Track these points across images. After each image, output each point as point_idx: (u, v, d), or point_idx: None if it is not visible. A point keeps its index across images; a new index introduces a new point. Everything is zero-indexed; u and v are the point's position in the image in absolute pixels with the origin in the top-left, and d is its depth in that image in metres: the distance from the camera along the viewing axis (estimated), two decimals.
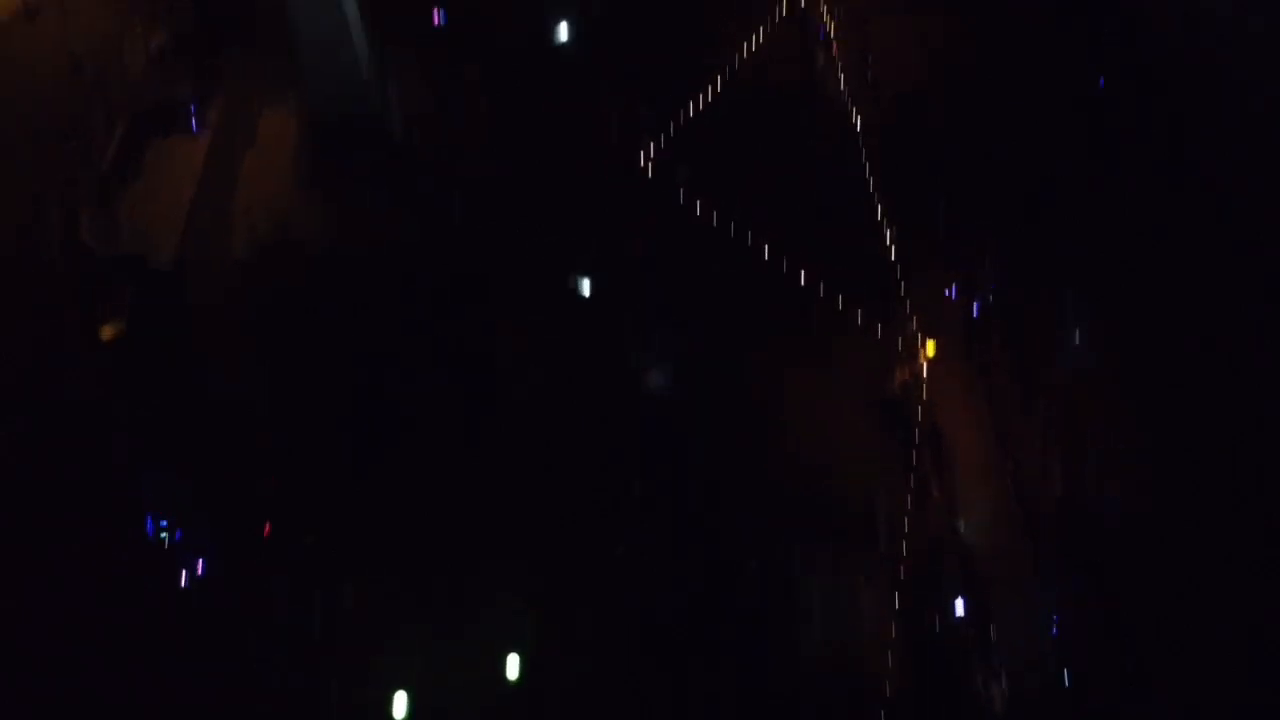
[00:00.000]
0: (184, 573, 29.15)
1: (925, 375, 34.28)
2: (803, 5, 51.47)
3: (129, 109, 46.59)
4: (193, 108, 47.11)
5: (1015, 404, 32.72)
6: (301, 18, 37.73)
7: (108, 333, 37.48)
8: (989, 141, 44.69)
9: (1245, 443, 29.64)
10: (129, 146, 45.46)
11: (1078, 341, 34.42)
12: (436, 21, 45.84)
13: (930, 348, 35.31)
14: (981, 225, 40.71)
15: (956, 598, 26.89)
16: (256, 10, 48.09)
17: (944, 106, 46.73)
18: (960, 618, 26.73)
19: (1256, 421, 30.07)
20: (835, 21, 50.03)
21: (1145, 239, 37.87)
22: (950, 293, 37.67)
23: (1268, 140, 40.29)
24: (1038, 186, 42.25)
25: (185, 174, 45.11)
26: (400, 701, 25.49)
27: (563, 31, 50.37)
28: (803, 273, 37.79)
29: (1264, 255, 35.09)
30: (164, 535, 30.07)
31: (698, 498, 29.59)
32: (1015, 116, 46.05)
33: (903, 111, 46.59)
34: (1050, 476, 30.09)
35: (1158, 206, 38.98)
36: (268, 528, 30.05)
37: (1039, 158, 43.77)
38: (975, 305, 37.26)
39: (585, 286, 38.81)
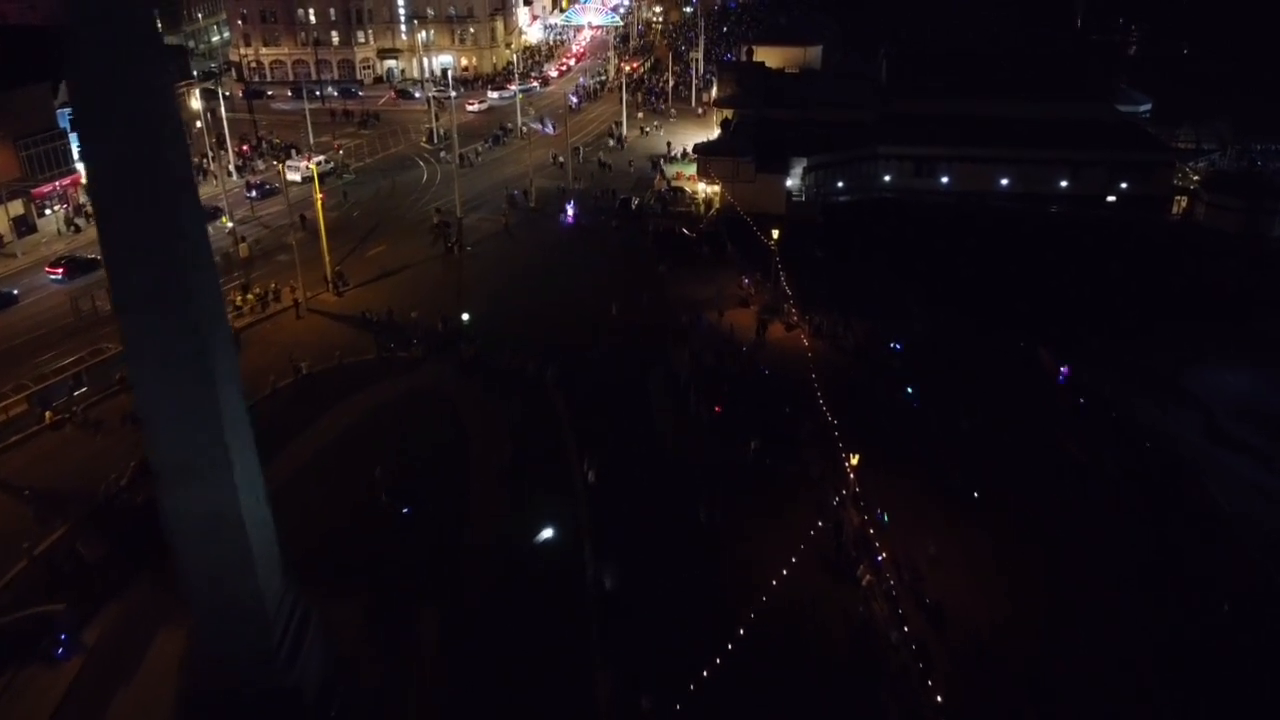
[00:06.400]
0: None
1: None
2: (835, 502, 43.26)
3: None
4: (63, 633, 36.76)
5: None
6: (188, 549, 28.28)
7: None
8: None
9: None
10: None
11: None
12: None
13: None
14: None
15: None
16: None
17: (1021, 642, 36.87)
18: None
19: None
20: (876, 532, 41.25)
21: None
22: None
23: None
24: None
25: None
26: None
27: (547, 531, 41.95)
28: None
29: None
30: None
31: None
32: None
33: (975, 651, 36.14)
34: None
35: None
36: None
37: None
38: None
39: None
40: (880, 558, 40.10)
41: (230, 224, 75.43)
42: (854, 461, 39.88)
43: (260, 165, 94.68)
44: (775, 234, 64.32)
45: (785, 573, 38.38)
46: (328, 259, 66.65)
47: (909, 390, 53.27)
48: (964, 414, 50.87)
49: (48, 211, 78.67)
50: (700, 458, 47.69)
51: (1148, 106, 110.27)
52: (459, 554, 40.92)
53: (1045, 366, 57.51)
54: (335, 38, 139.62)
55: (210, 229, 78.55)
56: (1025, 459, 48.40)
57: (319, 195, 67.53)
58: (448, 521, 42.98)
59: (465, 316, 59.75)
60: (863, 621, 37.31)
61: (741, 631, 34.69)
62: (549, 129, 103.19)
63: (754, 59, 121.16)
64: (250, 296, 63.32)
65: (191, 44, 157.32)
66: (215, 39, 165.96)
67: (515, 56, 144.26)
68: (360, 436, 49.51)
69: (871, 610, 38.08)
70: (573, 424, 50.03)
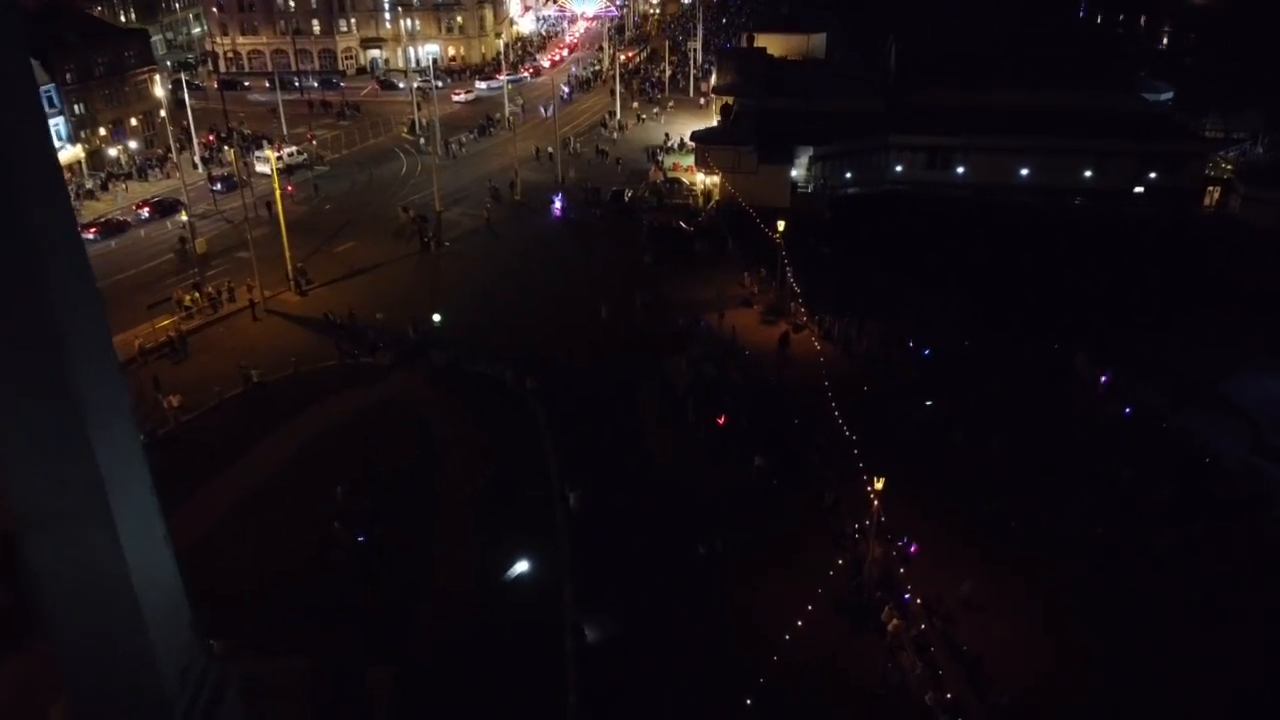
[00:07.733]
0: None
1: None
2: (854, 533, 37.60)
3: None
4: None
5: None
6: (59, 613, 22.61)
7: None
8: None
9: None
10: None
11: None
12: None
13: None
14: None
15: None
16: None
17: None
18: None
19: None
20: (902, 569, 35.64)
21: None
22: None
23: None
24: None
25: None
26: None
27: (522, 566, 36.10)
28: None
29: None
30: None
31: None
32: None
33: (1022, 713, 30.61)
34: None
35: None
36: None
37: None
38: None
39: None
40: (908, 598, 34.44)
41: (185, 218, 69.45)
42: (878, 486, 34.07)
43: (228, 157, 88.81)
44: (781, 226, 58.36)
45: (800, 623, 32.61)
46: (288, 254, 60.73)
47: (932, 402, 47.49)
48: (996, 429, 45.10)
49: None
50: (699, 480, 41.96)
51: (1169, 95, 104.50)
52: (419, 601, 35.14)
53: (1081, 374, 51.72)
54: (316, 27, 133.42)
55: (168, 224, 73.76)
56: (1066, 480, 42.65)
57: (278, 188, 61.63)
58: (409, 560, 37.20)
59: (436, 318, 53.80)
60: (890, 681, 31.53)
61: (749, 702, 28.90)
62: (550, 113, 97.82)
63: (755, 46, 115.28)
64: (198, 295, 57.31)
65: (170, 35, 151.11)
66: (196, 30, 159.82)
67: (503, 46, 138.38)
68: (316, 456, 43.71)
69: (900, 664, 32.35)
70: (555, 441, 44.27)
